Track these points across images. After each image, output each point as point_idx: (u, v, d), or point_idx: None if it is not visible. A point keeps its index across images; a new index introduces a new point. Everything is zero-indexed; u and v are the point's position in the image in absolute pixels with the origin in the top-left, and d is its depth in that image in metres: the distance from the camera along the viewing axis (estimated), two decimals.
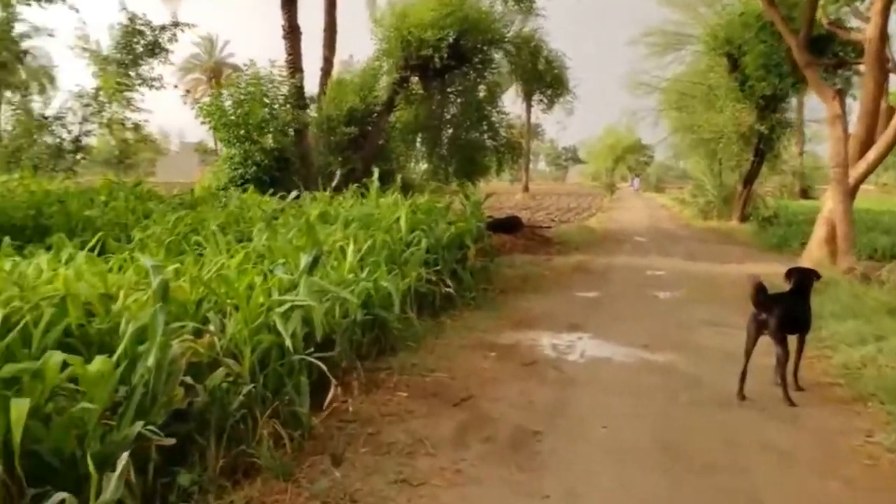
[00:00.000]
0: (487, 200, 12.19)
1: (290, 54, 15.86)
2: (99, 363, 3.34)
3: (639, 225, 26.75)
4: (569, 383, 6.31)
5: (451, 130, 19.98)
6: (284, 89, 15.35)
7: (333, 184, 10.75)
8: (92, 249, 7.00)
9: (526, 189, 49.23)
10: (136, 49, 16.15)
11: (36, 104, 17.99)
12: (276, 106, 15.08)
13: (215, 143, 15.54)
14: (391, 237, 8.52)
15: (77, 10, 16.57)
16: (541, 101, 22.17)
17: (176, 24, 16.59)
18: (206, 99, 16.29)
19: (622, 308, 9.93)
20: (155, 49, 16.32)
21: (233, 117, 14.49)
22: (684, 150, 31.74)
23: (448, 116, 20.09)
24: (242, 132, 14.38)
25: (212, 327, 4.14)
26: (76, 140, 16.34)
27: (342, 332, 5.53)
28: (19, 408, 2.87)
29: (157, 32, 16.43)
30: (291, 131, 15.07)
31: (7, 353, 3.54)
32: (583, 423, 5.31)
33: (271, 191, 12.14)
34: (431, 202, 10.25)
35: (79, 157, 16.42)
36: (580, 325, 8.57)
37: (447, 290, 8.50)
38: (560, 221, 26.85)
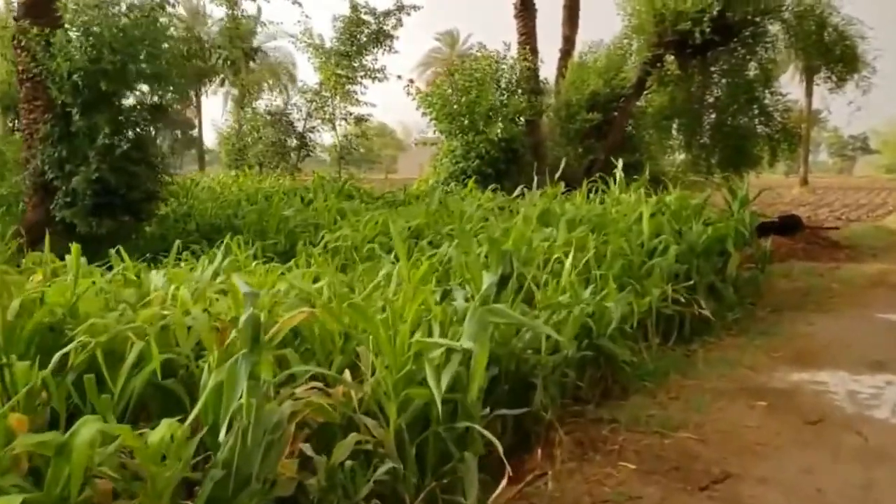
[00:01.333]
0: (760, 196, 9.88)
1: (522, 34, 14.66)
2: (164, 429, 2.34)
3: None
4: (877, 458, 4.35)
5: (713, 115, 17.43)
6: (516, 73, 14.19)
7: (557, 175, 9.25)
8: (284, 253, 6.45)
9: (804, 182, 43.19)
10: (359, 39, 16.04)
11: (273, 102, 18.82)
12: (507, 92, 13.97)
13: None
14: (629, 243, 6.94)
15: (300, 4, 16.86)
16: (828, 78, 18.57)
17: (400, 8, 16.18)
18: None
19: None
20: (379, 37, 16.08)
21: (456, 106, 13.65)
22: None
23: (710, 99, 17.55)
24: (466, 122, 13.47)
25: (348, 375, 3.00)
26: (301, 136, 16.71)
27: (547, 374, 4.15)
28: None
29: (380, 20, 16.18)
30: (522, 120, 13.86)
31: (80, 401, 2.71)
32: None
33: (494, 186, 11.06)
34: (683, 198, 8.41)
35: (303, 153, 16.78)
36: (887, 363, 6.28)
37: (701, 311, 6.71)
38: (848, 220, 22.63)
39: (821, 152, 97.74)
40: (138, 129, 8.03)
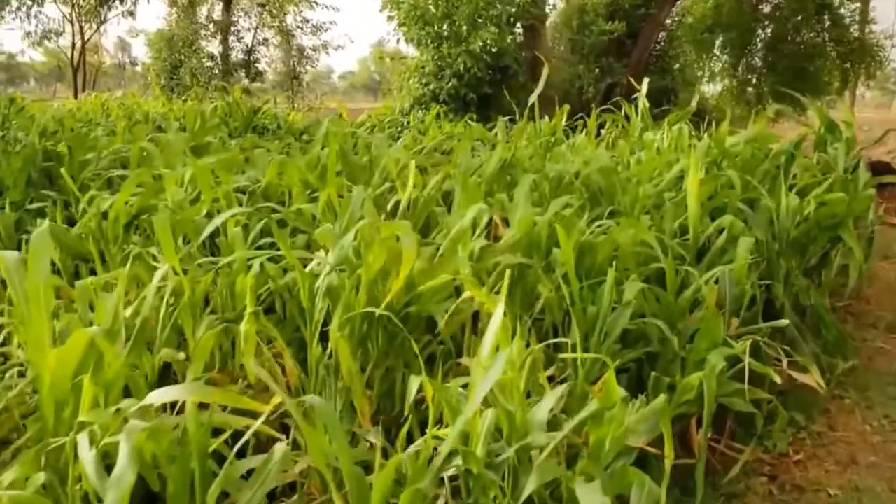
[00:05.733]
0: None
1: None
2: None
3: None
4: None
5: (770, 29, 13.64)
6: None
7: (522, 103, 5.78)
8: None
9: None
10: None
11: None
12: None
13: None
14: (659, 229, 3.59)
15: None
16: None
17: None
18: None
19: None
20: None
21: (430, 5, 9.96)
22: None
23: (767, 9, 13.73)
24: (444, 27, 9.81)
25: None
26: (249, 51, 13.13)
27: None
28: None
29: None
30: (519, 27, 10.22)
31: None
32: None
33: (469, 116, 7.63)
34: (759, 139, 4.89)
35: (252, 71, 13.19)
36: None
37: (796, 373, 3.29)
38: None
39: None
40: None
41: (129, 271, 2.93)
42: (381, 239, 2.60)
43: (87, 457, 1.59)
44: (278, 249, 2.87)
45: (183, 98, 11.64)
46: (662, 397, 2.05)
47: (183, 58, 14.02)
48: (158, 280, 2.79)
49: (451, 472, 1.98)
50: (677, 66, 13.61)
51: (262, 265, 2.84)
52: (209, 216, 3.66)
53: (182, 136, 5.54)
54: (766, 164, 4.54)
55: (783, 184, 3.95)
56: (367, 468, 2.22)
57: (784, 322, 3.25)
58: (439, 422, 2.16)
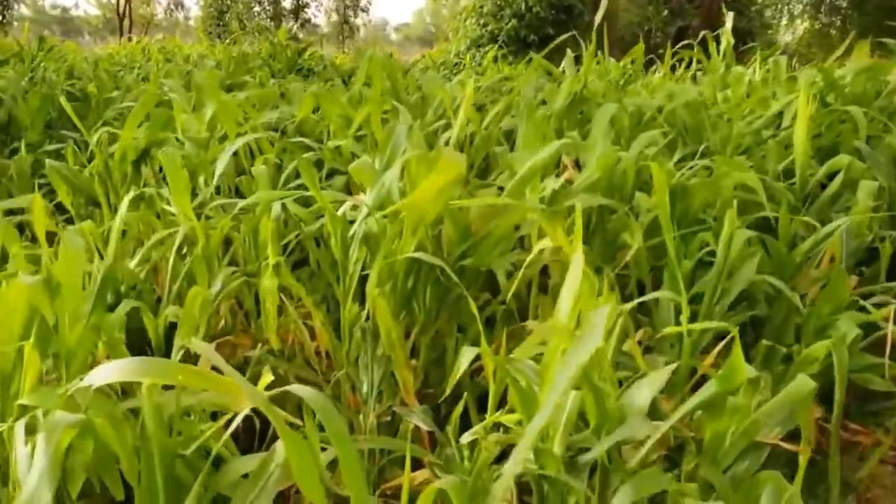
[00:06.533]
0: None
1: None
2: None
3: None
4: None
5: None
6: None
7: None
8: None
9: None
10: None
11: None
12: None
13: None
14: (766, 169, 3.03)
15: None
16: None
17: None
18: None
19: None
20: None
21: None
22: None
23: None
24: None
25: None
26: None
27: None
28: None
29: None
30: None
31: None
32: None
33: (530, 59, 7.00)
34: (873, 70, 4.19)
35: (302, 16, 12.71)
36: None
37: None
38: None
39: None
40: None
41: (136, 215, 2.55)
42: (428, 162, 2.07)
43: (21, 454, 1.17)
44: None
45: (226, 43, 11.26)
46: (808, 381, 1.51)
47: (230, 2, 13.61)
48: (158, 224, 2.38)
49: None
50: (754, 7, 12.56)
51: (287, 208, 2.39)
52: (236, 155, 3.22)
53: (215, 73, 5.12)
54: (883, 100, 3.86)
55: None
56: (413, 462, 1.77)
57: None
58: (501, 402, 1.69)
